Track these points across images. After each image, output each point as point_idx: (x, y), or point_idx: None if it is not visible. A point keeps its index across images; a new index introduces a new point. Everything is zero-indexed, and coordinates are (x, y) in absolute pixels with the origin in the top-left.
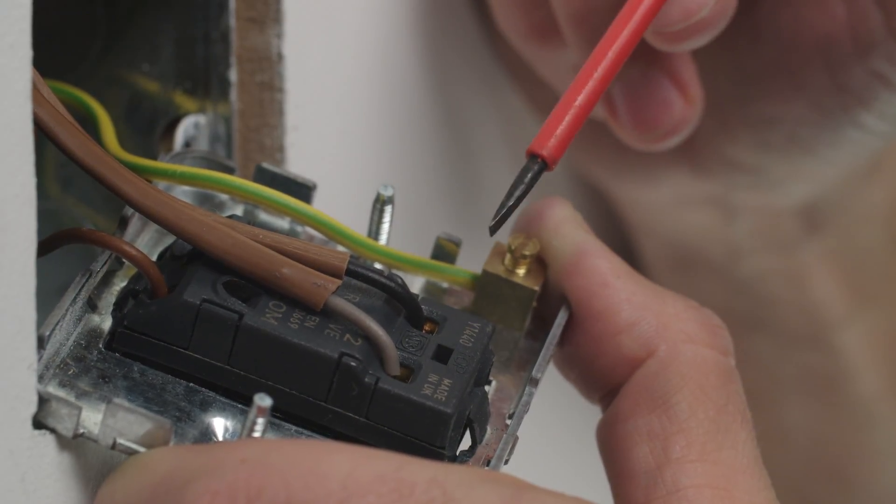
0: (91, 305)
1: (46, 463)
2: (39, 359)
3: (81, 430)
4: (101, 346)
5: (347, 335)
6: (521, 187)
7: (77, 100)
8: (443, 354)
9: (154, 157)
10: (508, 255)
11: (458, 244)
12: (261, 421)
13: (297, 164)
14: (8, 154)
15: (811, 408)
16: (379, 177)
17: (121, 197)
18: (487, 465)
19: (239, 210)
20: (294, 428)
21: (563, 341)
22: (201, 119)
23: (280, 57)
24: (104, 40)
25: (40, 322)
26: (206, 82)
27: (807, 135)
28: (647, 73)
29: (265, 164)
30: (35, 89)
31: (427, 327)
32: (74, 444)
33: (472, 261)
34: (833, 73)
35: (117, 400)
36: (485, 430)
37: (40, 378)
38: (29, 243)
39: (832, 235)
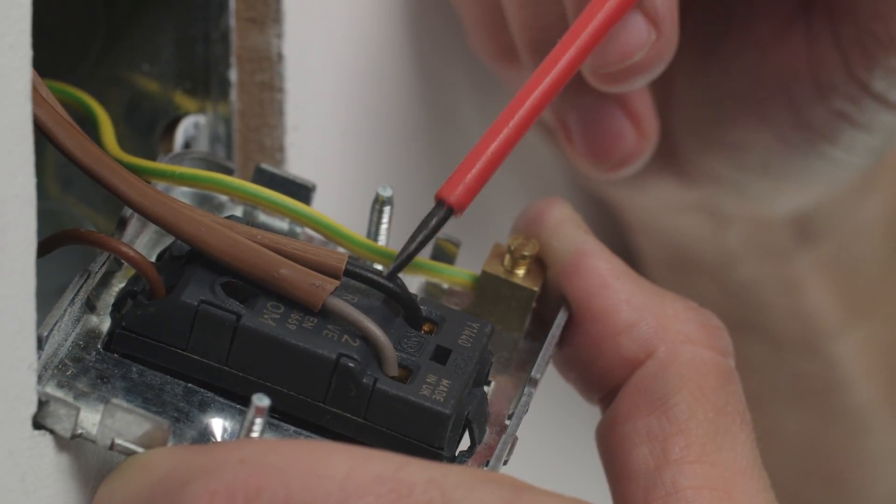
0: (90, 306)
1: (46, 463)
2: (38, 359)
3: (79, 431)
4: (99, 346)
5: (346, 336)
6: (425, 232)
7: (77, 100)
8: (441, 355)
9: (154, 157)
10: (508, 256)
11: (457, 245)
12: (259, 421)
13: (296, 165)
14: (8, 154)
15: (805, 414)
16: (378, 177)
17: (119, 197)
18: (486, 466)
19: (238, 211)
20: (293, 429)
21: (562, 342)
22: (201, 119)
23: (280, 57)
24: (104, 40)
25: (39, 322)
26: (206, 82)
27: (778, 163)
28: (601, 104)
29: (264, 165)
30: (34, 90)
31: (426, 328)
32: (74, 444)
33: (471, 262)
34: (796, 111)
35: (115, 400)
36: (484, 431)
37: (38, 378)
38: (29, 243)
39: (826, 245)
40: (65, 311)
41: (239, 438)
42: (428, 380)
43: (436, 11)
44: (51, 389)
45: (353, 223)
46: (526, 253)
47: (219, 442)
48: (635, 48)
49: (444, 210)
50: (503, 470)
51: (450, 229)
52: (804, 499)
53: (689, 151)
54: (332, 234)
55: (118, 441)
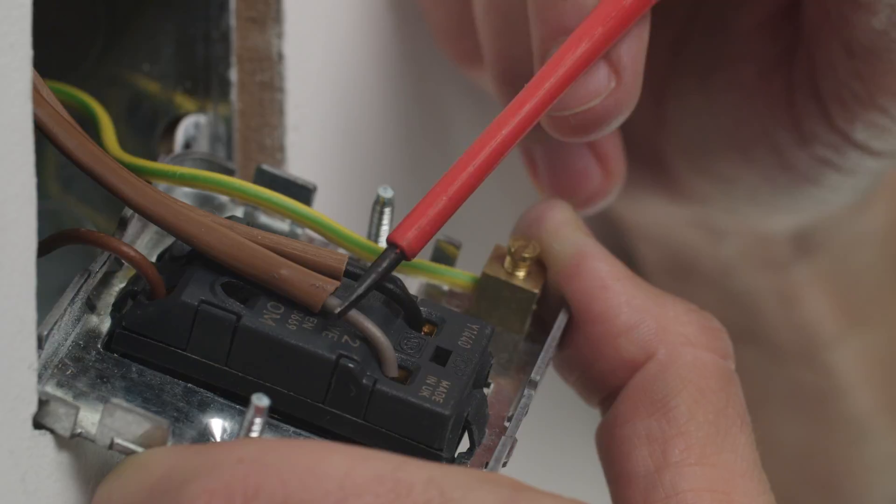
0: (90, 306)
1: (47, 463)
2: (38, 359)
3: (79, 430)
4: (99, 346)
5: (346, 337)
6: (374, 275)
7: (77, 100)
8: (441, 356)
9: (154, 157)
10: (508, 258)
11: (457, 247)
12: (258, 421)
13: (297, 164)
14: (8, 154)
15: (802, 422)
16: (378, 177)
17: (119, 197)
18: (485, 468)
19: (239, 212)
20: (292, 429)
21: (562, 344)
22: (201, 119)
23: (280, 57)
24: (104, 40)
25: (39, 322)
26: (206, 82)
27: (764, 197)
28: (568, 142)
29: (265, 166)
30: (34, 90)
31: (426, 329)
32: (74, 444)
33: (472, 263)
34: (779, 154)
35: (115, 400)
36: (483, 433)
37: (38, 378)
38: (29, 243)
39: (824, 257)
40: (65, 310)
41: (238, 438)
42: (428, 381)
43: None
44: (50, 389)
45: (353, 224)
46: (526, 255)
47: (218, 442)
48: (594, 93)
49: (395, 253)
50: (502, 471)
51: (450, 230)
52: None
53: (680, 172)
54: (332, 235)
55: (117, 440)
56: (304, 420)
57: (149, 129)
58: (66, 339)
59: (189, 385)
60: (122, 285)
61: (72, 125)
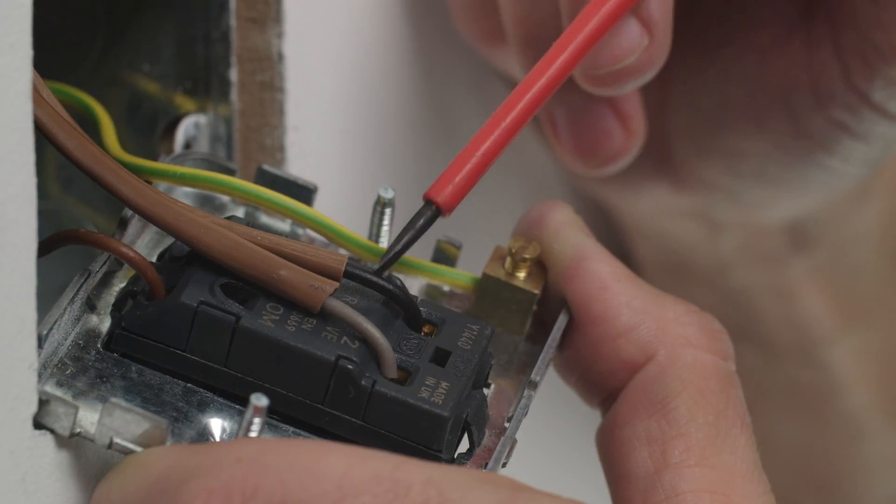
0: (90, 306)
1: (47, 463)
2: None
3: (78, 430)
4: (99, 346)
5: (345, 338)
6: (412, 232)
7: (77, 101)
8: (441, 357)
9: (154, 157)
10: (509, 259)
11: (458, 247)
12: (257, 420)
13: (297, 164)
14: (8, 154)
15: (799, 420)
16: (379, 177)
17: (118, 197)
18: (485, 468)
19: (240, 212)
20: (291, 429)
21: (562, 345)
22: (202, 119)
23: (280, 57)
24: (104, 40)
25: (39, 322)
26: (206, 82)
27: (774, 171)
28: (590, 101)
29: (266, 166)
30: (34, 90)
31: (426, 329)
32: (74, 443)
33: (472, 264)
34: (794, 120)
35: (114, 399)
36: (483, 434)
37: (38, 377)
38: (29, 243)
39: (821, 253)
40: (64, 310)
41: (237, 438)
42: (427, 382)
43: (436, 11)
44: (50, 388)
45: (354, 224)
46: (527, 256)
47: (216, 441)
48: (627, 52)
49: (431, 210)
50: (502, 472)
51: (450, 231)
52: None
53: (684, 157)
54: (333, 236)
55: (116, 440)
56: (304, 421)
57: (149, 130)
58: (65, 339)
59: (188, 385)
60: (122, 285)
61: (72, 125)
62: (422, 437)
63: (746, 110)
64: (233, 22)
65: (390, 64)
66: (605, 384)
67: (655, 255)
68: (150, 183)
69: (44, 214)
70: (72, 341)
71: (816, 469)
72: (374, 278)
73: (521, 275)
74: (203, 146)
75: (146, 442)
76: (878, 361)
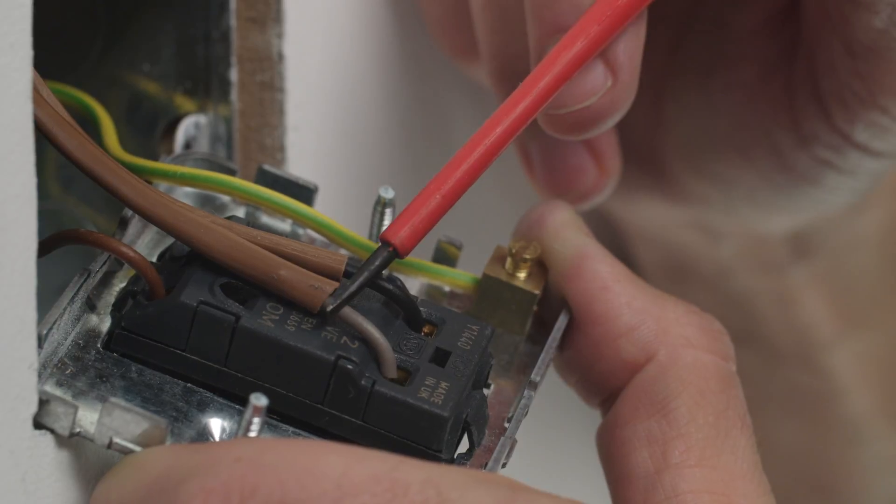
0: (90, 306)
1: (47, 463)
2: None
3: (78, 430)
4: (98, 346)
5: (345, 338)
6: (366, 273)
7: (77, 101)
8: (441, 357)
9: (154, 158)
10: (509, 259)
11: (459, 247)
12: (256, 420)
13: (297, 165)
14: (8, 154)
15: (799, 424)
16: (379, 178)
17: (118, 197)
18: (484, 468)
19: (240, 212)
20: (291, 429)
21: (563, 345)
22: (202, 119)
23: (280, 57)
24: (104, 40)
25: (39, 322)
26: (206, 82)
27: (763, 197)
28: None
29: (267, 166)
30: (35, 90)
31: (425, 330)
32: (74, 443)
33: (472, 264)
34: (779, 156)
35: (114, 399)
36: (483, 434)
37: (38, 377)
38: (30, 243)
39: (821, 259)
40: (64, 309)
41: (236, 438)
42: (426, 382)
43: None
44: (49, 388)
45: (354, 224)
46: (527, 256)
47: (215, 441)
48: (590, 92)
49: (388, 252)
50: (501, 472)
51: (450, 231)
52: None
53: (677, 174)
54: (333, 236)
55: (116, 440)
56: (303, 421)
57: (149, 130)
58: (65, 339)
59: (188, 385)
60: (122, 285)
61: (72, 126)
62: (421, 437)
63: (732, 142)
64: (233, 22)
65: (389, 64)
66: (605, 384)
67: (656, 260)
68: (150, 183)
69: (44, 214)
70: (72, 341)
71: (816, 472)
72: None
73: (522, 275)
74: (203, 146)
75: (146, 442)
76: (878, 366)
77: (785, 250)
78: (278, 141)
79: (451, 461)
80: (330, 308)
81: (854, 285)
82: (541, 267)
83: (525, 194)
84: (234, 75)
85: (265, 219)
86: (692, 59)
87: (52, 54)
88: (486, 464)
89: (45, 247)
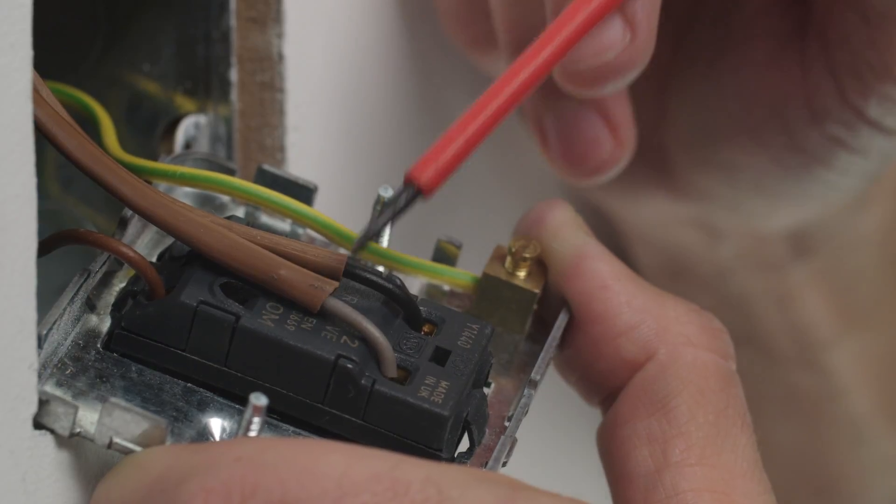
0: (90, 306)
1: (47, 463)
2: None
3: (78, 430)
4: (98, 346)
5: (344, 337)
6: (389, 211)
7: (77, 101)
8: (441, 356)
9: (154, 158)
10: (509, 258)
11: (458, 247)
12: (257, 420)
13: (297, 165)
14: (8, 154)
15: (798, 425)
16: (379, 178)
17: (118, 198)
18: (485, 467)
19: (240, 212)
20: (291, 429)
21: (563, 344)
22: (202, 119)
23: (281, 57)
24: (104, 41)
25: (39, 322)
26: (206, 82)
27: (771, 184)
28: (579, 110)
29: (266, 166)
30: (34, 90)
31: (425, 329)
32: (74, 443)
33: (472, 263)
34: (790, 135)
35: (114, 399)
36: (483, 433)
37: (38, 377)
38: (29, 243)
39: (821, 258)
40: (64, 309)
41: (236, 437)
42: (427, 381)
43: (436, 12)
44: (49, 388)
45: (354, 224)
46: (527, 255)
47: (216, 441)
48: (608, 46)
49: (412, 190)
50: (502, 471)
51: (450, 231)
52: None
53: (681, 168)
54: (333, 235)
55: (116, 440)
56: (304, 420)
57: (149, 130)
58: (65, 339)
59: (188, 385)
60: (122, 285)
61: (72, 126)
62: (422, 436)
63: (742, 124)
64: (233, 22)
65: (390, 64)
66: (605, 383)
67: (655, 260)
68: (149, 183)
69: (44, 214)
70: (72, 341)
71: (816, 473)
72: (375, 277)
73: (522, 274)
74: (203, 146)
75: (146, 441)
76: (877, 366)
77: (785, 250)
78: (278, 141)
79: (451, 460)
80: (351, 249)
81: (854, 285)
82: (540, 266)
83: (525, 194)
84: (234, 75)
85: (265, 218)
86: (697, 46)
87: (52, 54)
88: (487, 463)
89: (45, 247)
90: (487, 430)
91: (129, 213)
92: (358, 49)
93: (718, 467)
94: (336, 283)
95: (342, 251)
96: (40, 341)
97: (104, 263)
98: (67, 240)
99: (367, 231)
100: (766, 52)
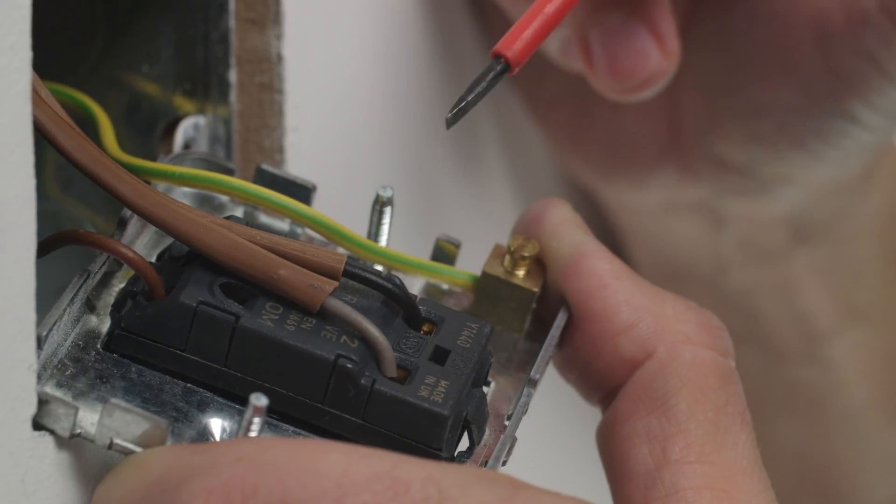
0: (89, 306)
1: (46, 464)
2: (37, 359)
3: (78, 431)
4: (98, 346)
5: (344, 337)
6: (482, 85)
7: (77, 102)
8: (440, 355)
9: (153, 159)
10: (508, 257)
11: (457, 246)
12: (257, 420)
13: (296, 166)
14: (8, 155)
15: (800, 422)
16: (378, 178)
17: (117, 198)
18: (485, 466)
19: (239, 212)
20: (292, 429)
21: (562, 343)
22: (201, 120)
23: (280, 58)
24: (104, 42)
25: (38, 323)
26: (205, 84)
27: (796, 124)
28: (625, 22)
29: (265, 166)
30: (34, 91)
31: (425, 328)
32: (74, 444)
33: (471, 262)
34: (825, 54)
35: (114, 400)
36: (483, 432)
37: (37, 378)
38: (29, 244)
39: (822, 248)
40: (64, 310)
41: (236, 437)
42: (426, 380)
43: (436, 12)
44: (50, 389)
45: (353, 224)
46: (526, 254)
47: (216, 441)
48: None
49: (501, 64)
50: (502, 470)
51: (450, 230)
52: None
53: (696, 132)
54: (332, 235)
55: (116, 440)
56: (304, 420)
57: (148, 131)
58: (65, 340)
59: (188, 385)
60: (122, 286)
61: (71, 126)
62: (422, 435)
63: (775, 52)
64: (232, 23)
65: (389, 65)
66: (604, 381)
67: (652, 260)
68: (148, 183)
69: (43, 215)
70: (71, 342)
71: (817, 470)
72: (374, 277)
73: (521, 273)
74: (202, 147)
75: (146, 442)
76: (879, 357)
77: (786, 237)
78: (277, 142)
79: (451, 459)
80: (447, 117)
81: (855, 274)
82: (539, 264)
83: (524, 193)
84: (233, 76)
85: (263, 218)
86: None
87: (52, 55)
88: (487, 462)
89: (45, 248)
90: (487, 429)
91: (128, 213)
92: (357, 50)
93: (718, 465)
94: (336, 283)
95: (341, 251)
96: (40, 342)
97: (103, 264)
98: (67, 240)
99: (461, 103)
100: None
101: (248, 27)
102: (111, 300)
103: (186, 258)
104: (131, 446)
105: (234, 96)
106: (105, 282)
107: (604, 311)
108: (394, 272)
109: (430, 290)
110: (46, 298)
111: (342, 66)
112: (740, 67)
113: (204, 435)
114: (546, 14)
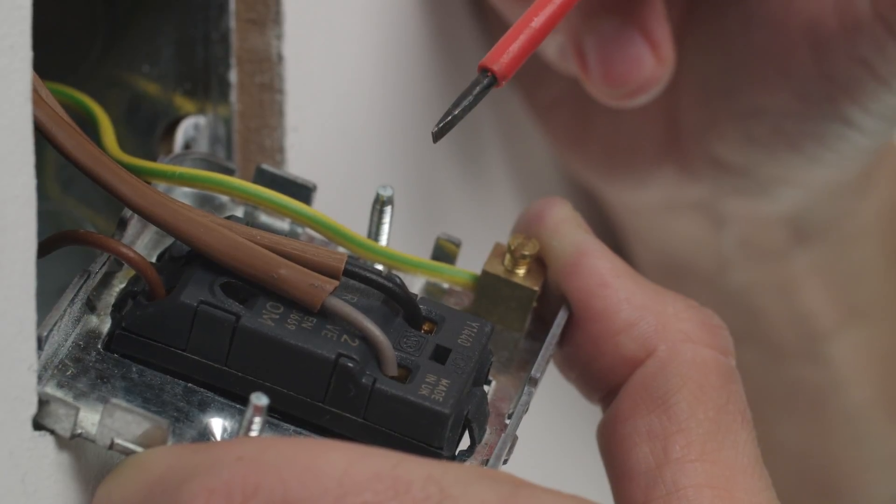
0: (90, 307)
1: (47, 464)
2: (38, 359)
3: (79, 431)
4: (99, 346)
5: (345, 336)
6: (468, 99)
7: (77, 102)
8: (441, 354)
9: (154, 159)
10: (508, 256)
11: (457, 245)
12: (257, 420)
13: (296, 166)
14: (8, 155)
15: (800, 421)
16: (378, 177)
17: (118, 198)
18: (486, 465)
19: (239, 211)
20: (292, 428)
21: (562, 341)
22: (201, 120)
23: (280, 58)
24: (104, 42)
25: (39, 323)
26: (206, 84)
27: (791, 128)
28: (620, 29)
29: (265, 166)
30: (34, 91)
31: (425, 327)
32: (74, 444)
33: (471, 261)
34: (819, 59)
35: (115, 400)
36: (484, 431)
37: (38, 379)
38: (29, 244)
39: (822, 247)
40: (64, 311)
41: (237, 437)
42: (427, 379)
43: (436, 12)
44: (50, 389)
45: (353, 224)
46: (526, 252)
47: (217, 441)
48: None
49: (488, 78)
50: (503, 469)
51: (449, 230)
52: None
53: (694, 133)
54: (332, 235)
55: (117, 441)
56: (304, 419)
57: (148, 131)
58: (66, 340)
59: (189, 385)
60: (122, 286)
61: (71, 126)
62: (423, 434)
63: (770, 56)
64: (232, 23)
65: (389, 65)
66: (605, 380)
67: (652, 258)
68: (149, 183)
69: (44, 215)
70: (72, 342)
71: (818, 469)
72: (375, 276)
73: (521, 272)
74: (202, 147)
75: (147, 442)
76: (879, 356)
77: (786, 236)
78: (278, 142)
79: (452, 458)
80: (433, 132)
81: (855, 274)
82: (540, 263)
83: (524, 191)
84: (233, 76)
85: (264, 218)
86: None
87: (52, 55)
88: (488, 460)
89: (45, 248)
90: (488, 428)
91: (128, 213)
92: (357, 50)
93: (719, 463)
94: (336, 283)
95: (342, 250)
96: (40, 343)
97: (104, 264)
98: (67, 241)
99: (450, 116)
100: None
101: (249, 27)
102: (112, 300)
103: (187, 258)
104: (132, 446)
105: (234, 96)
106: (105, 282)
107: (604, 309)
108: (394, 271)
109: (431, 289)
110: (47, 298)
111: (342, 66)
112: (736, 70)
113: (205, 435)
114: (533, 28)
